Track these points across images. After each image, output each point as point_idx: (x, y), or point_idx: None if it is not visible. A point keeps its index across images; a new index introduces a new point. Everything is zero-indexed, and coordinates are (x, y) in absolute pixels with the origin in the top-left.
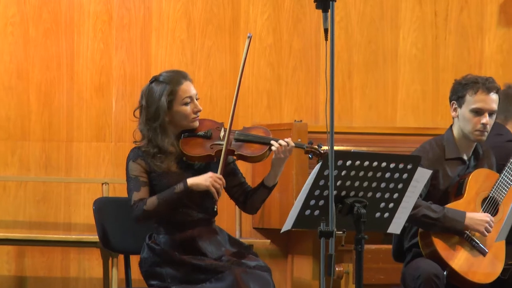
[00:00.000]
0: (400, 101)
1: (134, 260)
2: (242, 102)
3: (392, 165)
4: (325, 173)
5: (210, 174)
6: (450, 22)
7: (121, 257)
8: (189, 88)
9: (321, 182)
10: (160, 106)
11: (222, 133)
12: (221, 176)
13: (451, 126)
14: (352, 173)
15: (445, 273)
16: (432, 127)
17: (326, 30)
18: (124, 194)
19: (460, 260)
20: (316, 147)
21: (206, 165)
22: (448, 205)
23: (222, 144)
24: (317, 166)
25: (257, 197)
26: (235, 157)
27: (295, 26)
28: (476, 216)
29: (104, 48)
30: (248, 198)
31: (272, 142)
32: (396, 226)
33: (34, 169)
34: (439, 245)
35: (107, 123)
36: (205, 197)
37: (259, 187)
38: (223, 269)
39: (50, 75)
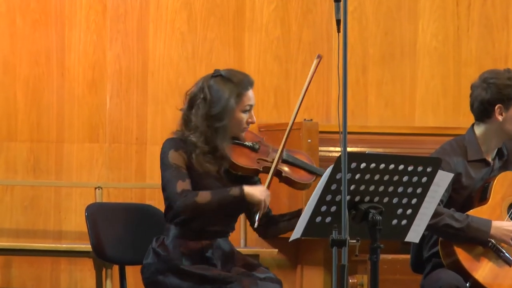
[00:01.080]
0: (418, 98)
1: (130, 271)
2: None
3: (410, 168)
4: (338, 176)
5: (264, 188)
6: (473, 12)
7: (115, 268)
8: (252, 96)
9: (333, 187)
10: (228, 107)
11: (270, 150)
12: (268, 193)
13: (472, 126)
14: (367, 176)
15: (467, 285)
16: (453, 126)
17: (338, 21)
18: (119, 199)
19: (484, 271)
20: None
21: (244, 178)
22: (472, 211)
23: (270, 162)
24: (329, 169)
25: (285, 226)
26: (278, 179)
27: (305, 17)
28: (503, 226)
29: (97, 40)
30: (273, 224)
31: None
32: (414, 234)
33: (21, 172)
34: (462, 254)
35: (101, 122)
36: (236, 211)
37: (294, 217)
38: (231, 279)
39: (39, 70)
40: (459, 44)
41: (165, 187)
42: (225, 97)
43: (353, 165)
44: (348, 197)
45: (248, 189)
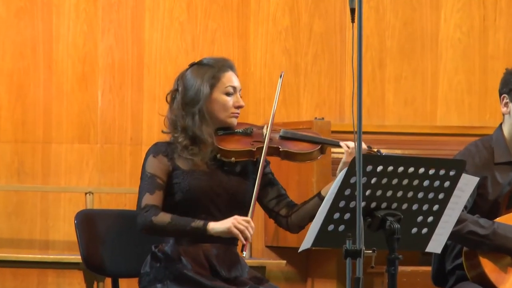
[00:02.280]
0: (441, 95)
1: (124, 284)
2: (252, 97)
3: (431, 171)
4: (352, 180)
5: (233, 217)
6: (501, 1)
7: (108, 281)
8: (234, 78)
9: (347, 192)
10: (201, 89)
11: (265, 131)
12: (248, 219)
13: (500, 125)
14: (384, 180)
15: None
16: (479, 125)
17: (352, 10)
18: (112, 205)
19: None
20: (375, 150)
21: (242, 168)
22: (499, 219)
23: (265, 142)
24: (342, 173)
25: (307, 210)
26: (279, 157)
27: (316, 5)
28: None
29: (88, 31)
30: (294, 211)
31: (346, 142)
32: (436, 244)
33: (5, 176)
34: (488, 266)
35: (92, 121)
36: (235, 209)
37: (313, 198)
38: None
39: (24, 64)
40: (486, 36)
41: (138, 197)
42: (198, 82)
43: (369, 168)
44: (363, 203)
45: (212, 225)
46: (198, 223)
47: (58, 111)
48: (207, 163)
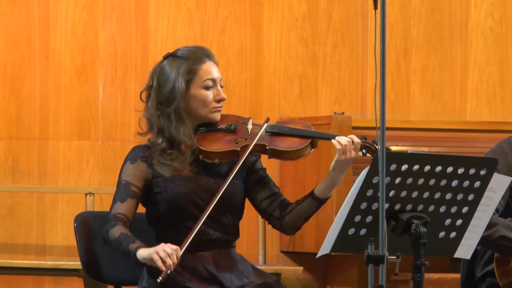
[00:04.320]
0: (471, 88)
1: None
2: (266, 90)
3: (460, 171)
4: (374, 180)
5: (162, 244)
6: None
7: None
8: (212, 69)
9: (369, 193)
10: (176, 87)
11: (250, 127)
12: (176, 248)
13: None
14: (409, 180)
15: None
16: None
17: None
18: None
19: None
20: (371, 142)
21: (228, 168)
22: None
23: (249, 139)
24: (364, 172)
25: (300, 211)
26: (266, 155)
27: None
28: None
29: (88, 18)
30: (288, 212)
31: (337, 138)
32: (465, 250)
33: None
34: None
35: (92, 116)
36: (225, 213)
37: (306, 198)
38: None
39: (18, 54)
40: None
41: None
42: (172, 77)
43: (393, 167)
44: (386, 205)
45: (142, 251)
46: (132, 247)
47: (55, 106)
48: (189, 166)
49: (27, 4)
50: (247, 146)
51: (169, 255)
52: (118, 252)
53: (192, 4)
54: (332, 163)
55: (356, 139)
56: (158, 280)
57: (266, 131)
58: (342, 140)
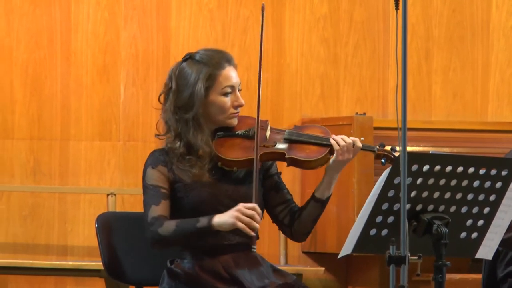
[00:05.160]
0: (492, 88)
1: None
2: (288, 90)
3: (482, 171)
4: (396, 181)
5: (237, 207)
6: None
7: None
8: (232, 75)
9: (391, 193)
10: (195, 93)
11: (268, 132)
12: (253, 205)
13: None
14: (431, 181)
15: None
16: None
17: None
18: (135, 207)
19: None
20: (389, 149)
21: (246, 172)
22: None
23: (269, 147)
24: (385, 172)
25: (307, 215)
26: (285, 163)
27: None
28: None
29: (109, 19)
30: (296, 218)
31: (332, 140)
32: (487, 250)
33: (20, 176)
34: None
35: (113, 117)
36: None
37: (309, 202)
38: None
39: (40, 55)
40: None
41: (143, 213)
42: (191, 81)
43: (414, 167)
44: (408, 206)
45: (217, 219)
46: (203, 221)
47: (77, 106)
48: (208, 172)
49: (48, 5)
50: (266, 154)
51: (251, 217)
52: (184, 241)
53: (214, 4)
54: (330, 162)
55: (358, 144)
56: (253, 249)
57: (284, 139)
58: (340, 141)
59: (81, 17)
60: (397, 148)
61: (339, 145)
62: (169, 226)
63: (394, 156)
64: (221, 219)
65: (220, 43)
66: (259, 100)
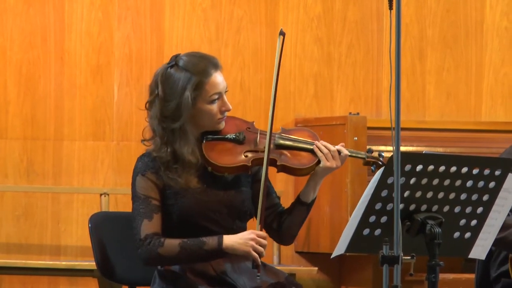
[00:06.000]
0: (486, 89)
1: None
2: (281, 90)
3: (475, 171)
4: (389, 181)
5: (251, 234)
6: None
7: None
8: (218, 81)
9: (384, 193)
10: (182, 103)
11: (258, 137)
12: (264, 234)
13: None
14: (424, 181)
15: None
16: None
17: None
18: (129, 207)
19: None
20: (378, 156)
21: (235, 177)
22: None
23: (259, 152)
24: (379, 172)
25: (293, 219)
26: (276, 169)
27: None
28: None
29: (103, 19)
30: (283, 223)
31: (314, 147)
32: (480, 250)
33: (13, 176)
34: None
35: (107, 117)
36: (236, 220)
37: (294, 205)
38: None
39: (33, 54)
40: None
41: (132, 221)
42: (178, 90)
43: (408, 167)
44: (401, 206)
45: (228, 241)
46: (211, 243)
47: (70, 106)
48: (199, 177)
49: (42, 5)
50: (257, 160)
51: (264, 247)
52: (181, 262)
53: (207, 4)
54: (318, 169)
55: (345, 152)
56: (258, 277)
57: (275, 144)
58: (323, 148)
59: (75, 17)
60: (384, 154)
61: (322, 152)
62: (172, 247)
63: (382, 162)
64: (233, 243)
65: (214, 43)
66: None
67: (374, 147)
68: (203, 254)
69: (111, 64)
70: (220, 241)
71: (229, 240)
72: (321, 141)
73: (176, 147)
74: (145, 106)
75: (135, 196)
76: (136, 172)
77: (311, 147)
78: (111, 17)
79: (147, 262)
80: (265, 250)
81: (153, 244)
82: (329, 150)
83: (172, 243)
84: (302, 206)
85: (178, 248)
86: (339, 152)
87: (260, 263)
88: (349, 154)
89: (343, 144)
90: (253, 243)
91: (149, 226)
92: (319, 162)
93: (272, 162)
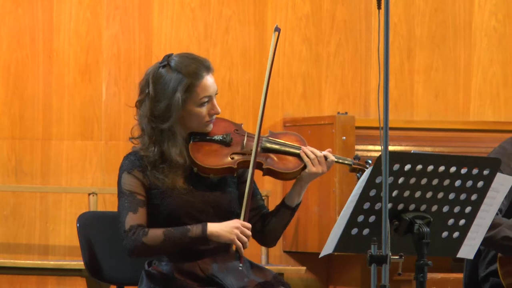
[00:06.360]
0: (474, 88)
1: None
2: (270, 89)
3: (463, 171)
4: (377, 180)
5: (236, 223)
6: None
7: None
8: (209, 84)
9: (372, 193)
10: (173, 104)
11: (245, 140)
12: (249, 225)
13: None
14: (412, 180)
15: None
16: None
17: None
18: (117, 207)
19: None
20: (364, 163)
21: (221, 178)
22: None
23: (245, 154)
24: (367, 172)
25: (277, 221)
26: (261, 172)
27: None
28: None
29: (92, 18)
30: (266, 225)
31: (301, 152)
32: (468, 249)
33: (1, 175)
34: None
35: (95, 116)
36: (222, 220)
37: (279, 209)
38: None
39: (22, 54)
40: None
41: (118, 217)
42: (169, 91)
43: (396, 166)
44: (389, 205)
45: (212, 228)
46: (196, 231)
47: (59, 105)
48: (185, 178)
49: (30, 4)
50: (243, 163)
51: (248, 237)
52: (171, 250)
53: (196, 3)
54: (304, 174)
55: (331, 158)
56: (240, 267)
57: (262, 148)
58: (310, 153)
59: (63, 17)
60: (370, 161)
61: (308, 157)
62: (156, 235)
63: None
64: (218, 230)
65: (202, 42)
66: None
67: (362, 147)
68: (187, 241)
69: (100, 64)
70: (205, 228)
71: (213, 227)
72: (308, 147)
73: (164, 148)
74: (135, 105)
75: (120, 193)
76: (123, 170)
77: (298, 151)
78: (100, 16)
79: (132, 252)
80: (249, 240)
81: (137, 234)
82: (315, 155)
83: (156, 232)
84: (286, 209)
85: (162, 237)
86: (325, 157)
87: (243, 254)
88: (336, 160)
89: (330, 150)
90: (237, 231)
91: (134, 218)
92: (305, 167)
93: (258, 165)
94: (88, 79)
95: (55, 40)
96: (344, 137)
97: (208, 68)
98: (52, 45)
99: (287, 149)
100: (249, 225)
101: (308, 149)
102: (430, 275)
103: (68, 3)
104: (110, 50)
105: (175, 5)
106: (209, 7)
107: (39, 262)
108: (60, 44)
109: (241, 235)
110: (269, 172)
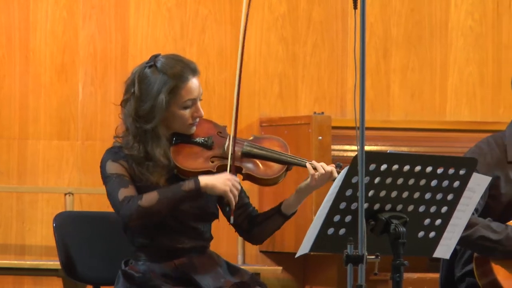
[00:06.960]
0: (450, 88)
1: None
2: (246, 89)
3: (439, 170)
4: (354, 180)
5: (227, 175)
6: None
7: None
8: (194, 87)
9: (348, 192)
10: (157, 106)
11: (227, 143)
12: (238, 179)
13: None
14: (388, 180)
15: None
16: (492, 121)
17: None
18: (93, 207)
19: None
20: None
21: None
22: None
23: (226, 158)
24: (343, 172)
25: (269, 226)
26: (241, 177)
27: None
28: None
29: (68, 18)
30: (256, 225)
31: (309, 165)
32: (444, 249)
33: None
34: (501, 273)
35: (71, 116)
36: (201, 221)
37: (273, 214)
38: None
39: None
40: (499, 24)
41: (110, 201)
42: (154, 92)
43: (372, 166)
44: (366, 205)
45: (205, 180)
46: (189, 185)
47: (35, 105)
48: (166, 177)
49: (7, 4)
50: (222, 167)
51: (238, 191)
52: (166, 210)
53: (172, 3)
54: (302, 184)
55: (335, 174)
56: (232, 220)
57: (243, 152)
58: (318, 165)
59: (40, 16)
60: (341, 164)
61: (316, 169)
62: (150, 196)
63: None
64: (211, 181)
65: (179, 42)
66: (237, 115)
67: (338, 147)
68: (182, 195)
69: (76, 63)
70: (197, 181)
71: (206, 179)
72: (318, 162)
73: (149, 148)
74: (121, 103)
75: (106, 178)
76: (106, 159)
77: (282, 159)
78: (76, 16)
79: (130, 218)
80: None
81: (132, 200)
82: (324, 170)
83: (150, 194)
84: (281, 217)
85: (157, 196)
86: (331, 172)
87: (234, 207)
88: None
89: (334, 165)
90: (230, 183)
91: (127, 191)
92: (285, 173)
93: (237, 170)
94: (64, 78)
95: (32, 39)
96: (320, 137)
97: (193, 71)
98: (29, 45)
99: (269, 155)
100: (238, 179)
101: (318, 164)
102: (406, 275)
103: (45, 2)
104: (86, 50)
105: (151, 4)
106: (185, 6)
107: (15, 262)
108: (36, 43)
109: (233, 188)
110: (249, 177)
